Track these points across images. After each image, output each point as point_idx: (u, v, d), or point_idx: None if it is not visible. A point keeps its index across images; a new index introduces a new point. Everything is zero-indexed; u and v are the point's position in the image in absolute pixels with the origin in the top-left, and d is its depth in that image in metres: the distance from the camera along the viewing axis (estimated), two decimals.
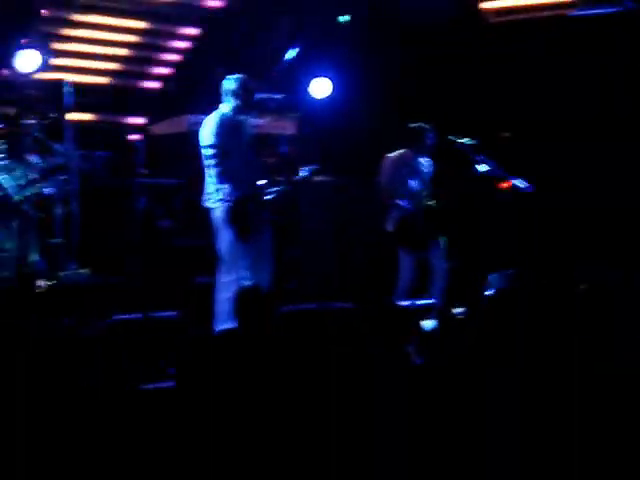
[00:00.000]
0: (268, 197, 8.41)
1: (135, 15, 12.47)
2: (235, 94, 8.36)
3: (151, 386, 5.79)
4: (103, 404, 5.32)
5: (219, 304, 8.27)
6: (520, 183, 9.70)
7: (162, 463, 4.93)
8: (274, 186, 8.45)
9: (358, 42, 12.58)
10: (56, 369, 5.45)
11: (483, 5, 12.62)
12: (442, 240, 9.63)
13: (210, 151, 8.27)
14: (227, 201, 8.20)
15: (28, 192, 9.70)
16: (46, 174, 9.21)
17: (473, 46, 12.19)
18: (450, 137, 9.76)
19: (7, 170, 9.57)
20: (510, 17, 12.49)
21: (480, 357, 5.68)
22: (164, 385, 5.81)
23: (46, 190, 10.02)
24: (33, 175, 9.42)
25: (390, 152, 9.78)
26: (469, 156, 9.75)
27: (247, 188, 8.27)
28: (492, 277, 8.17)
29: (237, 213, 8.19)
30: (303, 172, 8.52)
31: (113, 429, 5.17)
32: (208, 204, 8.36)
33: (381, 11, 12.48)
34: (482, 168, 9.74)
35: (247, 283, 8.16)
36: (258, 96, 8.63)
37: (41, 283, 8.91)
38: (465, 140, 9.76)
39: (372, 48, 12.51)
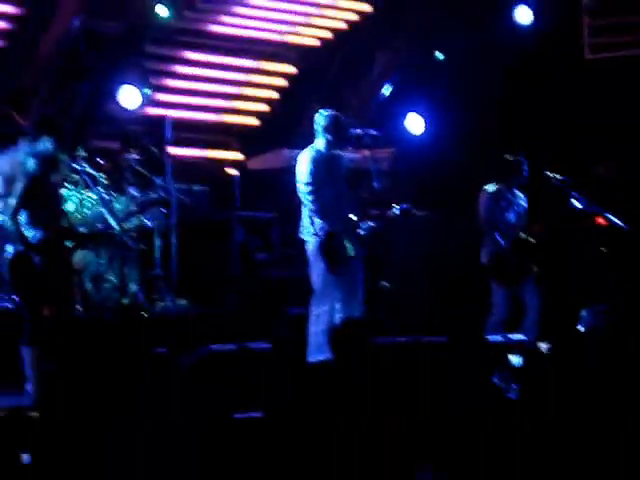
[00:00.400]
0: (361, 231, 8.52)
1: (234, 52, 12.72)
2: (326, 129, 8.51)
3: (243, 415, 5.89)
4: (197, 432, 5.44)
5: (312, 336, 8.40)
6: (614, 219, 9.65)
7: None
8: (367, 220, 8.57)
9: (453, 77, 12.65)
10: (151, 398, 5.59)
11: (580, 40, 12.60)
12: (535, 274, 9.61)
13: (304, 186, 8.43)
14: (319, 235, 8.35)
15: (129, 224, 9.94)
16: (145, 207, 9.43)
17: (569, 80, 12.16)
18: (546, 172, 9.75)
19: (109, 203, 9.81)
20: (608, 53, 12.43)
21: (569, 394, 5.68)
22: (256, 415, 5.90)
23: (146, 223, 10.27)
24: (132, 208, 9.65)
25: (486, 186, 9.80)
26: (565, 191, 9.74)
27: (339, 222, 8.40)
28: (584, 312, 8.13)
29: (328, 247, 8.33)
30: (395, 210, 8.62)
31: (206, 457, 5.28)
32: (303, 236, 8.53)
33: (476, 45, 12.53)
34: (577, 204, 9.71)
35: (339, 316, 8.28)
36: (353, 131, 8.75)
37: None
38: (560, 176, 9.75)
39: (467, 83, 12.56)
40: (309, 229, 8.46)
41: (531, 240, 9.66)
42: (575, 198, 9.70)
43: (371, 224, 8.54)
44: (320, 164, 8.46)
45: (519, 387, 6.70)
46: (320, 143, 8.56)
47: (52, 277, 7.81)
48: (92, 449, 5.20)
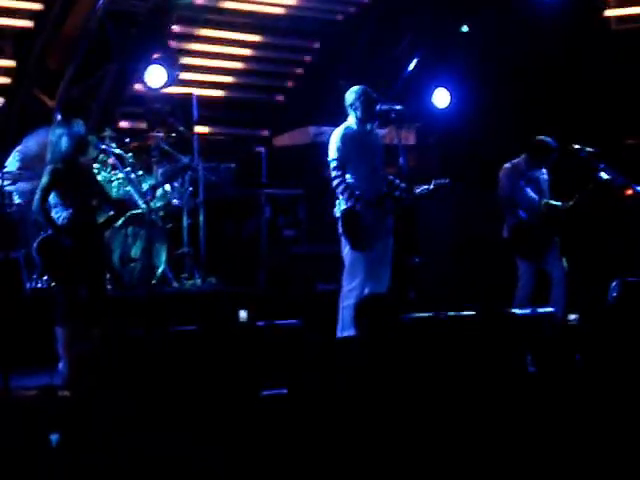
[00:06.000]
0: (390, 206, 8.53)
1: (258, 29, 12.71)
2: (356, 106, 8.49)
3: (271, 392, 5.93)
4: (223, 411, 5.48)
5: (341, 311, 8.44)
6: None
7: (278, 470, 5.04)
8: (395, 196, 8.58)
9: (478, 52, 12.60)
10: (173, 375, 5.64)
11: (606, 12, 12.51)
12: (558, 246, 9.59)
13: (333, 163, 8.45)
14: (343, 211, 8.38)
15: (157, 203, 10.00)
16: (169, 176, 9.44)
17: (595, 53, 12.09)
18: (573, 146, 9.71)
19: (136, 182, 9.88)
20: (634, 24, 12.34)
21: (595, 368, 5.68)
22: (284, 392, 5.93)
23: (174, 201, 10.33)
24: (158, 179, 9.61)
25: (507, 161, 9.78)
26: (592, 164, 9.70)
27: (367, 199, 8.40)
28: (614, 284, 8.10)
29: (349, 223, 8.35)
30: (433, 183, 8.64)
31: (234, 434, 5.33)
32: (335, 213, 8.57)
33: (501, 19, 12.47)
34: (605, 175, 9.67)
35: (365, 291, 8.30)
36: (379, 107, 8.71)
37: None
38: (588, 148, 9.70)
39: (493, 56, 12.51)
40: (338, 206, 8.49)
41: (558, 211, 9.62)
42: (603, 170, 9.66)
43: (399, 198, 8.53)
44: (348, 141, 8.44)
45: (547, 361, 6.69)
46: (351, 120, 8.55)
47: (83, 257, 7.88)
48: (124, 430, 5.25)
